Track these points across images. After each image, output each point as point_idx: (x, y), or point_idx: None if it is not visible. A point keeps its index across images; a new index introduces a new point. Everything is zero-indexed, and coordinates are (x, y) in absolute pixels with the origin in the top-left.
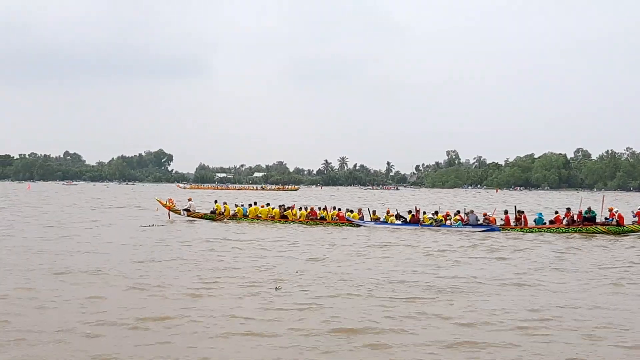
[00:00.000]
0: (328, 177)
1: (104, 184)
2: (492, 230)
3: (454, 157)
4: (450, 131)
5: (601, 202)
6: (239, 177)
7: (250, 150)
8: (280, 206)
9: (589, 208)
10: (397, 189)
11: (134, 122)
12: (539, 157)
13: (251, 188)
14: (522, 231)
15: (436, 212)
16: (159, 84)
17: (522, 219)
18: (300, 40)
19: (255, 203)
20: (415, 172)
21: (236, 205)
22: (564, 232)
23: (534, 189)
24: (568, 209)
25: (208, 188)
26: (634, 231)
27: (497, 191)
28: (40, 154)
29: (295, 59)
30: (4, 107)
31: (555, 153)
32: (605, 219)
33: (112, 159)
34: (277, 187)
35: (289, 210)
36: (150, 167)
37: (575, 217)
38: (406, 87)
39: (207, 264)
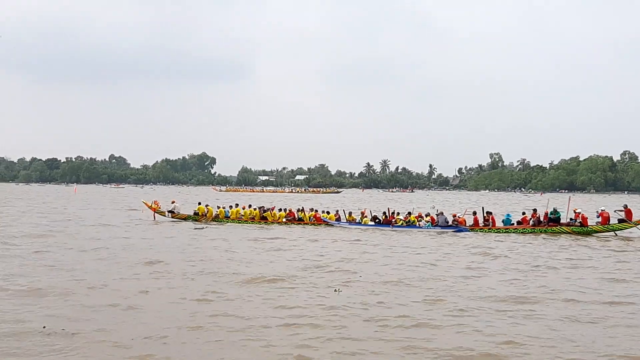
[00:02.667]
0: (370, 180)
1: (150, 187)
2: (461, 230)
3: (497, 159)
4: (493, 133)
5: (567, 204)
6: (281, 179)
7: (292, 153)
8: (260, 207)
9: (554, 209)
10: (412, 191)
11: (178, 125)
12: (584, 160)
13: (285, 190)
14: (490, 231)
15: (409, 213)
16: (202, 87)
17: (490, 220)
18: (343, 43)
19: (236, 205)
20: (457, 174)
21: (218, 207)
22: (530, 233)
23: (579, 192)
24: (534, 210)
25: (243, 191)
26: (597, 231)
27: (541, 194)
28: (87, 157)
29: (337, 61)
30: (50, 111)
31: (601, 155)
32: (570, 219)
33: (157, 162)
34: (312, 189)
35: (269, 212)
36: (193, 170)
37: (541, 218)
38: (449, 89)
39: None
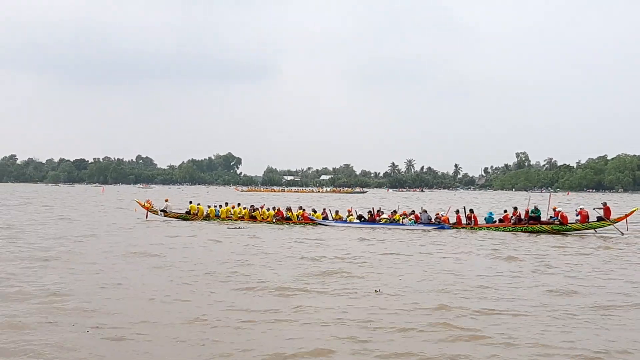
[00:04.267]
0: (395, 180)
1: (177, 187)
2: (443, 228)
3: (523, 159)
4: (519, 132)
5: (548, 202)
6: (306, 180)
7: (317, 153)
8: (251, 206)
9: (535, 207)
10: (422, 190)
11: (204, 126)
12: (612, 159)
13: (306, 190)
14: (473, 229)
15: (394, 212)
16: (228, 88)
17: (473, 218)
18: (367, 42)
19: (226, 204)
20: (483, 174)
21: (209, 206)
22: (511, 231)
23: (607, 191)
24: (515, 208)
25: (264, 190)
26: (576, 229)
27: (568, 194)
28: (114, 158)
29: (362, 60)
30: (78, 112)
31: (630, 154)
32: (550, 217)
33: (183, 162)
34: (333, 189)
35: (257, 211)
36: (219, 170)
37: (522, 216)
38: (475, 88)
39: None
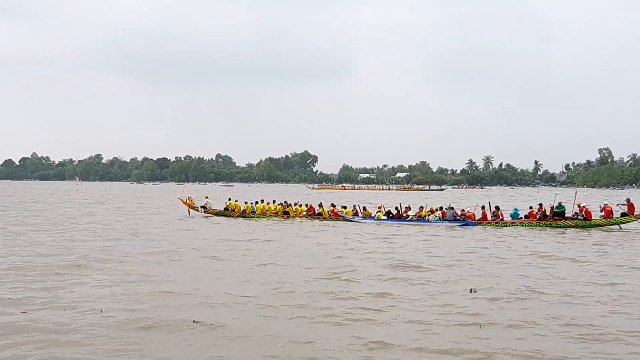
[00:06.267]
0: (472, 177)
1: (257, 185)
2: (467, 224)
3: (606, 155)
4: (602, 128)
5: (573, 198)
6: (382, 177)
7: (393, 150)
8: (284, 202)
9: (560, 203)
10: (482, 187)
11: (281, 124)
12: None
13: (375, 188)
14: (498, 225)
15: (422, 208)
16: (304, 86)
17: (499, 215)
18: (443, 37)
19: (262, 201)
20: (564, 171)
21: (245, 203)
22: (536, 226)
23: None
24: (540, 205)
25: (334, 188)
26: (600, 225)
27: None
28: (195, 157)
29: (438, 56)
30: (161, 113)
31: None
32: (575, 213)
33: (261, 160)
34: (404, 187)
35: (290, 207)
36: (296, 168)
37: (547, 212)
38: (555, 83)
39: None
